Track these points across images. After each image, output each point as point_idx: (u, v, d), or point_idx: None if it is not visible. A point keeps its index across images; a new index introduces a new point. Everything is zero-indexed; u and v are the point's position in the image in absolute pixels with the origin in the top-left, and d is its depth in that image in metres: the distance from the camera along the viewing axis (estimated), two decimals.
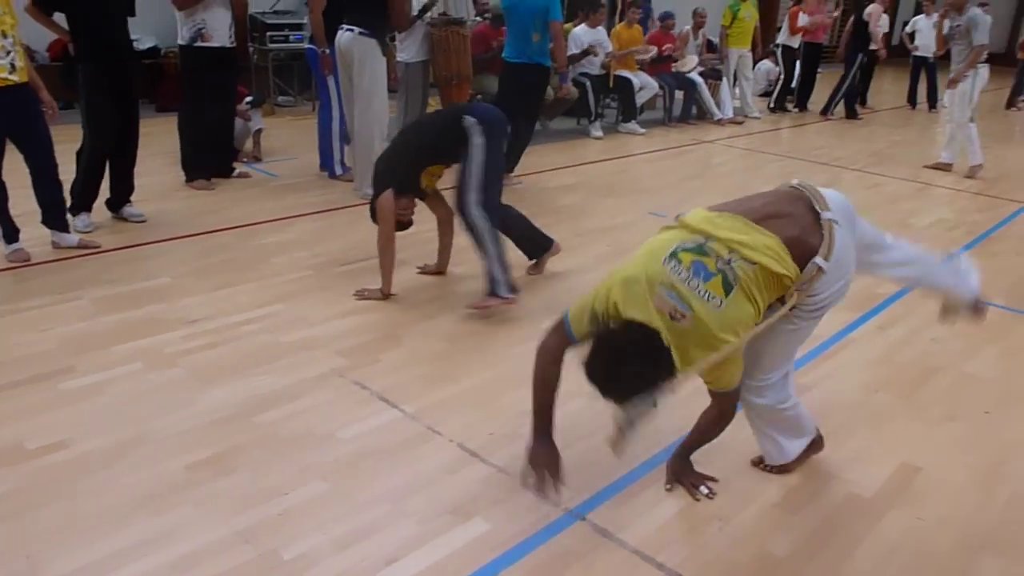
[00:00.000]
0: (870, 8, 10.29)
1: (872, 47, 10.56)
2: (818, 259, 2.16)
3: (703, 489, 2.47)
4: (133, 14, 4.66)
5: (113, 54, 4.52)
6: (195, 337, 3.33)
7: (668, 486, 2.50)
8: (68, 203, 4.40)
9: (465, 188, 3.54)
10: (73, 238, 4.26)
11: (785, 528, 2.35)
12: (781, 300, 2.19)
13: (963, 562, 2.26)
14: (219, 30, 5.33)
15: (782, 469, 2.60)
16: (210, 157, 5.71)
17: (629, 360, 2.01)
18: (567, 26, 9.10)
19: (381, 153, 3.94)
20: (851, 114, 10.57)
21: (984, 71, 7.17)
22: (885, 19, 10.88)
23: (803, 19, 10.22)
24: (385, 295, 3.80)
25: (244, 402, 2.85)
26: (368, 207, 3.85)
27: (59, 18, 4.51)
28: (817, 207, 2.23)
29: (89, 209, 4.62)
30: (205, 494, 2.35)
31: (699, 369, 2.12)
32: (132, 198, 4.86)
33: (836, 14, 12.43)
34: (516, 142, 5.96)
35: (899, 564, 2.23)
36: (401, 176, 3.69)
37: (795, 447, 2.58)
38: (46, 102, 4.06)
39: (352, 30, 5.18)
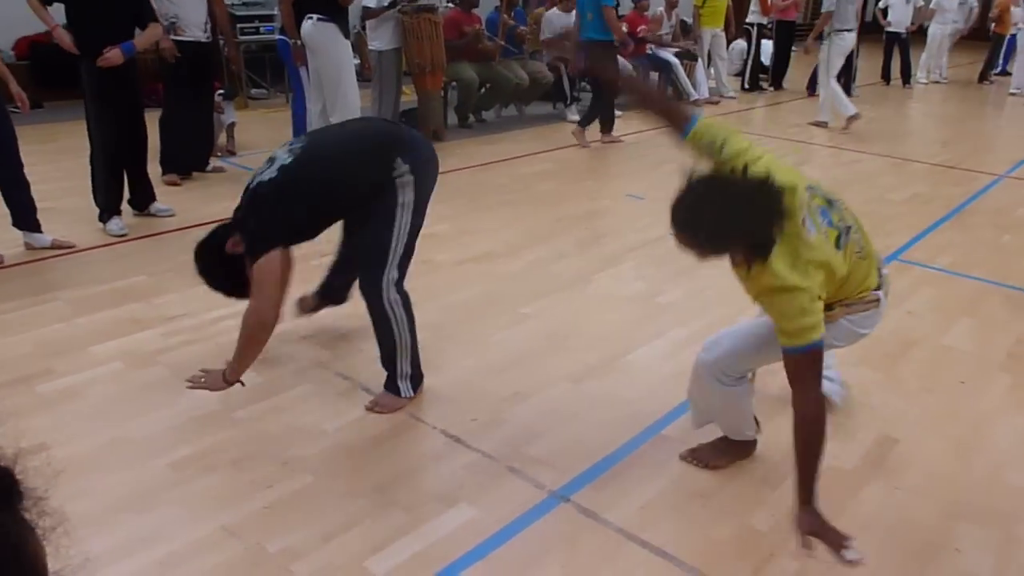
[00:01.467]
0: None
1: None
2: (879, 292, 2.17)
3: (850, 554, 1.82)
4: (139, 16, 4.47)
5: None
6: (174, 334, 3.31)
7: (805, 550, 1.91)
8: (98, 212, 4.45)
9: (378, 262, 2.63)
10: (46, 238, 4.21)
11: (766, 503, 2.38)
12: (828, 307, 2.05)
13: (941, 530, 2.30)
14: (194, 23, 5.27)
15: (708, 465, 2.53)
16: (184, 153, 5.66)
17: (749, 207, 1.84)
18: (539, 10, 9.09)
19: (259, 185, 2.62)
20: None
21: (843, 39, 7.95)
22: None
23: None
24: (231, 382, 2.70)
25: (225, 398, 2.83)
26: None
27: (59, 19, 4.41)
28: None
29: (119, 212, 4.56)
30: (190, 491, 2.35)
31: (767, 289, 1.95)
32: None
33: None
34: (605, 107, 7.25)
35: (879, 534, 2.27)
36: (299, 227, 2.65)
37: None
38: (15, 94, 3.99)
39: (311, 18, 5.14)
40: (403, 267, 2.70)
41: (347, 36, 5.24)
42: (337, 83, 5.23)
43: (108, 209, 4.53)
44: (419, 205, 2.65)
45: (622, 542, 2.20)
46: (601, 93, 7.24)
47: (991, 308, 3.87)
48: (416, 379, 2.85)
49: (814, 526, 1.91)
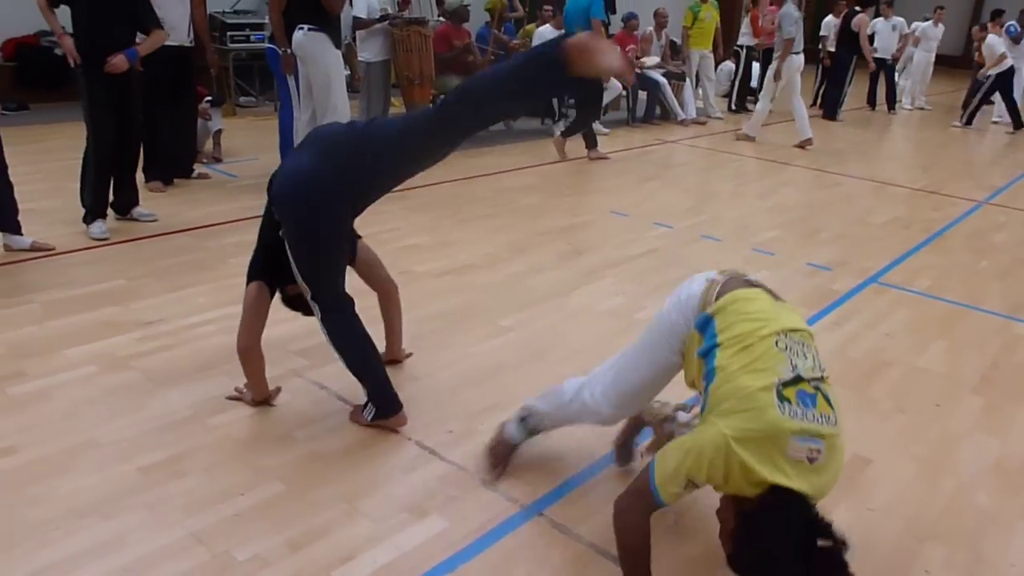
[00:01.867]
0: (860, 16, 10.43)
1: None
2: None
3: None
4: (136, 21, 4.47)
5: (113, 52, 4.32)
6: (150, 339, 3.29)
7: None
8: (82, 213, 4.42)
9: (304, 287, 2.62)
10: (26, 240, 4.18)
11: None
12: None
13: (910, 551, 2.31)
14: (177, 28, 5.26)
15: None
16: (168, 160, 5.63)
17: (788, 534, 1.70)
18: (529, 27, 9.15)
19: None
20: (831, 115, 10.78)
21: (797, 60, 8.48)
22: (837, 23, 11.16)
23: (763, 20, 10.34)
24: (259, 401, 2.85)
25: (199, 404, 2.82)
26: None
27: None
28: None
29: (104, 216, 4.54)
30: (158, 497, 2.32)
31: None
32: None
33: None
34: (579, 124, 7.36)
35: (848, 554, 2.27)
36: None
37: None
38: None
39: (302, 28, 5.15)
40: (325, 291, 2.60)
41: (338, 46, 5.25)
42: (327, 92, 5.22)
43: (94, 212, 4.50)
44: (302, 230, 2.47)
45: (593, 557, 2.20)
46: (586, 107, 7.30)
47: (966, 331, 3.91)
48: (381, 408, 2.70)
49: None
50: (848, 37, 10.57)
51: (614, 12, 13.33)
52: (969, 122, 10.97)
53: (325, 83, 5.20)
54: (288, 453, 2.57)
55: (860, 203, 6.39)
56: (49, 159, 6.06)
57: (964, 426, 3.01)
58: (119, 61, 4.26)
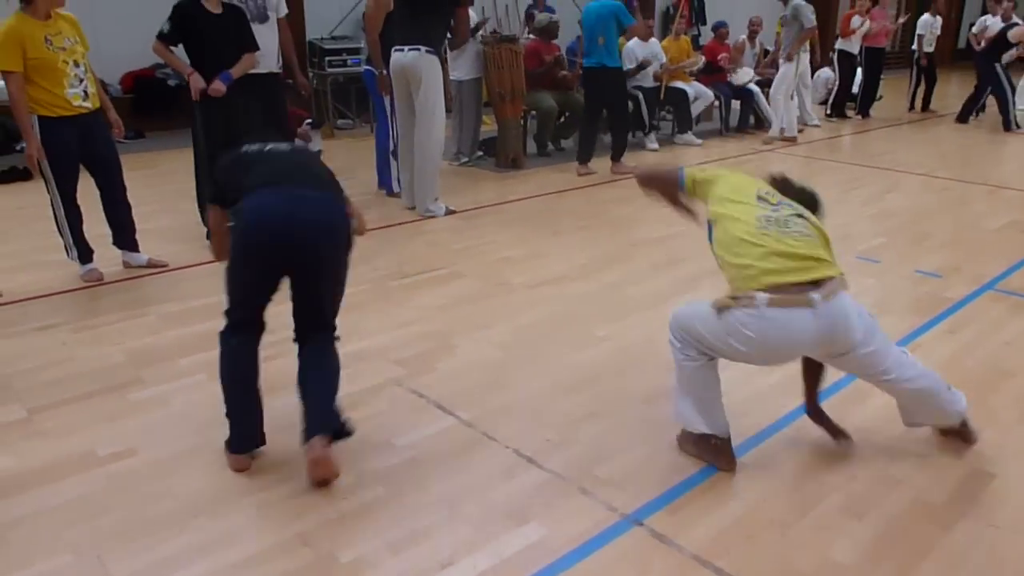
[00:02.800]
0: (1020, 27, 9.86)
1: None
2: (764, 295, 2.30)
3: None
4: (245, 48, 4.69)
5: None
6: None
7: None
8: (202, 231, 4.65)
9: None
10: (143, 257, 4.43)
11: (849, 534, 2.28)
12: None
13: None
14: (267, 54, 5.46)
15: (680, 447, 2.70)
16: None
17: None
18: (620, 40, 9.12)
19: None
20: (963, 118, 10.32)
21: (805, 56, 8.51)
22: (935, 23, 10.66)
23: (856, 21, 9.99)
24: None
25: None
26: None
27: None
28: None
29: None
30: (266, 499, 2.40)
31: None
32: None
33: (902, 20, 12.14)
34: (617, 133, 7.12)
35: (971, 572, 2.15)
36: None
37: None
38: (113, 121, 4.24)
39: (417, 49, 5.26)
40: (230, 315, 2.62)
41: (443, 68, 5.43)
42: (433, 113, 5.37)
43: None
44: (236, 256, 2.48)
45: (695, 568, 2.14)
46: (620, 122, 7.17)
47: None
48: (229, 441, 2.58)
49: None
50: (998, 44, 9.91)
51: (704, 23, 13.21)
52: None
53: (435, 103, 5.39)
54: (389, 459, 2.62)
55: (972, 208, 6.06)
56: (163, 183, 6.40)
57: None
58: (217, 86, 4.46)
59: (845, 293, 2.37)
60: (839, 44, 10.33)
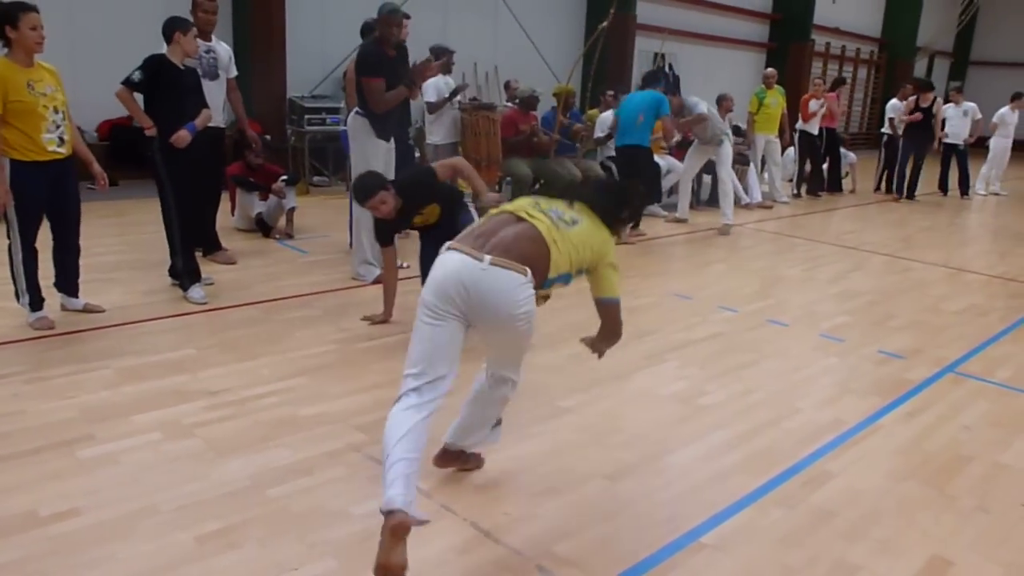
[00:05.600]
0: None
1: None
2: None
3: None
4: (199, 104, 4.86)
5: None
6: (215, 408, 3.35)
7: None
8: (180, 281, 4.77)
9: None
10: (79, 302, 4.43)
11: None
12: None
13: None
14: (215, 108, 5.52)
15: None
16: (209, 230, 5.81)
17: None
18: (592, 111, 9.33)
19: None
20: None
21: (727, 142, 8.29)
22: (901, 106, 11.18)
23: (814, 105, 10.41)
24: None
25: (258, 475, 2.83)
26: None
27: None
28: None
29: (200, 279, 4.84)
30: (212, 567, 2.32)
31: None
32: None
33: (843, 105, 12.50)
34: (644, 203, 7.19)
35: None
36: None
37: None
38: (97, 174, 4.29)
39: (354, 110, 5.37)
40: None
41: (380, 134, 5.31)
42: (357, 173, 5.40)
43: (190, 276, 4.76)
44: None
45: None
46: (648, 194, 7.45)
47: None
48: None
49: None
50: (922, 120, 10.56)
51: (677, 94, 13.56)
52: None
53: (356, 165, 5.37)
54: (343, 529, 2.55)
55: (934, 289, 6.19)
56: (132, 232, 6.35)
57: None
58: (183, 135, 4.58)
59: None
60: (799, 126, 10.68)
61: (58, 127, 4.02)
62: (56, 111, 4.00)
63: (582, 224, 2.56)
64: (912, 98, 11.07)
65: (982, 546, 2.68)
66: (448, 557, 2.46)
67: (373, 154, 5.32)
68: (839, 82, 11.60)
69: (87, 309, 4.43)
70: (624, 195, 2.76)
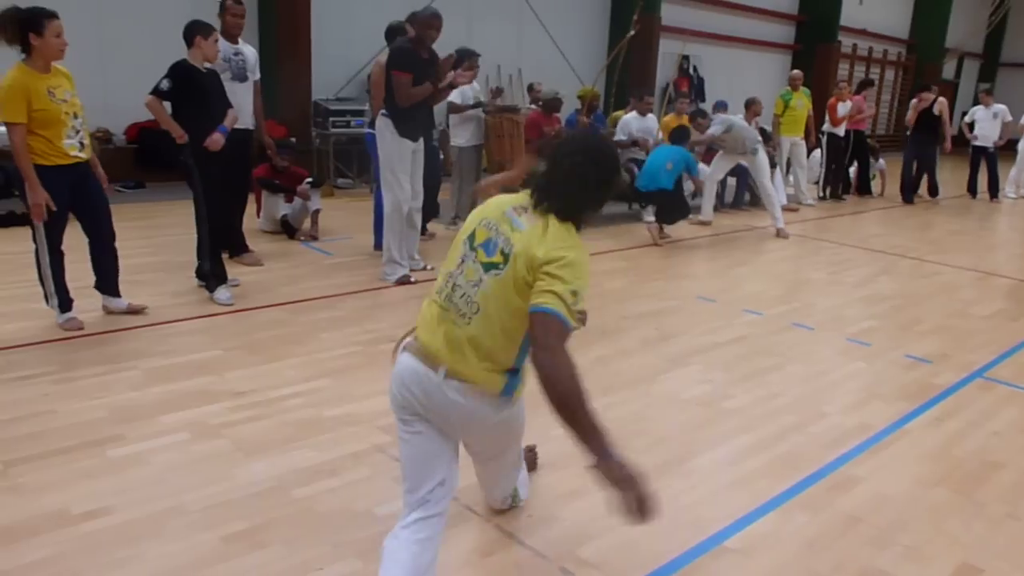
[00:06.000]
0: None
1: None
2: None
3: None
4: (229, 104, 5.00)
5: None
6: (241, 409, 3.38)
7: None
8: (206, 283, 4.82)
9: None
10: (123, 302, 4.47)
11: None
12: None
13: None
14: (246, 112, 5.59)
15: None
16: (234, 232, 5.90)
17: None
18: (617, 113, 9.31)
19: None
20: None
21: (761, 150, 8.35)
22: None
23: (842, 109, 10.30)
24: None
25: (283, 475, 2.86)
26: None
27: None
28: None
29: (226, 280, 4.91)
30: (238, 566, 2.34)
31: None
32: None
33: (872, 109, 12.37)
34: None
35: None
36: None
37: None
38: (100, 177, 4.31)
39: (381, 111, 5.41)
40: None
41: (405, 134, 5.33)
42: (384, 172, 5.43)
43: (217, 278, 4.82)
44: None
45: None
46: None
47: None
48: None
49: (620, 473, 1.87)
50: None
51: (703, 100, 13.53)
52: None
53: (382, 164, 5.41)
54: (368, 529, 2.57)
55: (962, 294, 6.11)
56: (160, 234, 6.43)
57: None
58: (217, 138, 4.67)
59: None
60: (826, 128, 10.58)
61: (77, 132, 4.09)
62: (75, 116, 4.07)
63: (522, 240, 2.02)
64: (913, 100, 10.91)
65: (1012, 554, 2.64)
66: (472, 559, 2.46)
67: (399, 154, 5.35)
68: (866, 83, 11.48)
69: (131, 310, 4.47)
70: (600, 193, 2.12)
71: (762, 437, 3.38)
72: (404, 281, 5.44)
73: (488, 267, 2.05)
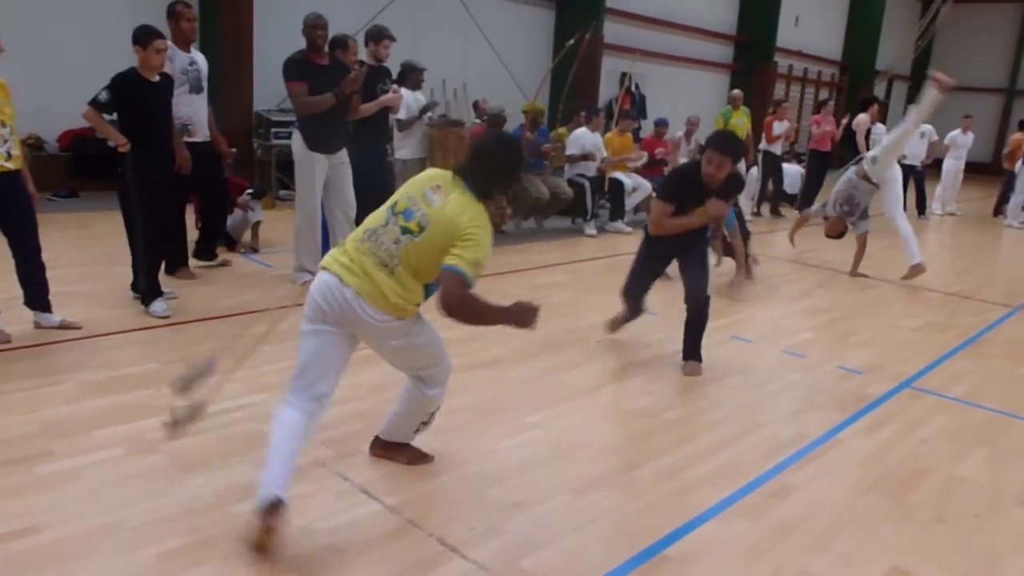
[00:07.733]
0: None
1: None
2: None
3: None
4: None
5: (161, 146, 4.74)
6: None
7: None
8: (142, 296, 4.69)
9: None
10: (55, 318, 4.30)
11: None
12: None
13: None
14: (202, 125, 5.50)
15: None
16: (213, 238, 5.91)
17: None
18: (562, 130, 9.41)
19: None
20: None
21: None
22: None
23: (778, 128, 10.62)
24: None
25: (222, 491, 2.80)
26: None
27: None
28: None
29: (161, 293, 4.77)
30: None
31: None
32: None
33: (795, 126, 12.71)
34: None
35: None
36: None
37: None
38: (31, 193, 4.16)
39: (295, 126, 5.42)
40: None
41: (314, 146, 5.29)
42: (298, 188, 5.45)
43: (151, 292, 4.69)
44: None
45: None
46: None
47: (1007, 440, 3.79)
48: None
49: (521, 317, 2.79)
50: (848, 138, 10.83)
51: (645, 117, 13.76)
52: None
53: (295, 175, 5.43)
54: (308, 545, 2.53)
55: (893, 307, 6.33)
56: (94, 244, 6.25)
57: (1008, 540, 2.89)
58: (187, 159, 4.80)
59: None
60: (763, 146, 10.87)
61: (6, 141, 3.95)
62: (3, 125, 3.93)
63: (440, 212, 2.60)
64: (815, 116, 11.28)
65: (940, 556, 2.74)
66: (414, 572, 2.45)
67: (308, 167, 5.31)
68: (821, 104, 11.84)
69: (64, 326, 4.29)
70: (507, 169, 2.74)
71: (702, 447, 3.45)
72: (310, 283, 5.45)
73: (404, 231, 2.61)
